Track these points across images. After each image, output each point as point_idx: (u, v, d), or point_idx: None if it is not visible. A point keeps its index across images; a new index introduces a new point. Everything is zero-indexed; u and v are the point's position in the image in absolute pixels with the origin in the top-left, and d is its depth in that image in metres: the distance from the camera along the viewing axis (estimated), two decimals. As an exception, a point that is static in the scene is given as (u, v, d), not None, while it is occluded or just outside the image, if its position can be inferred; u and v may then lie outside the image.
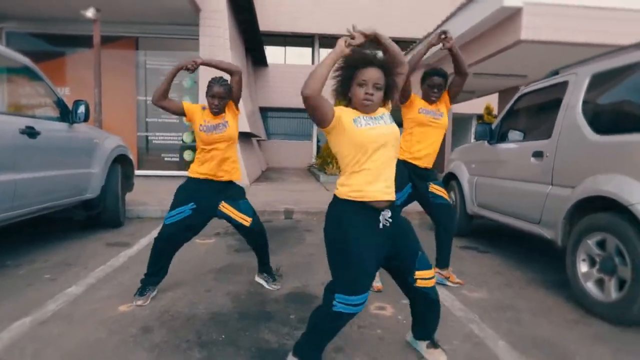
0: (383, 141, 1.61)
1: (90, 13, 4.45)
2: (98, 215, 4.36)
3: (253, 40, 12.68)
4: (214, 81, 2.55)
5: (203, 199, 2.60)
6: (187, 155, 9.33)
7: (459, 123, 18.23)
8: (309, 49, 17.59)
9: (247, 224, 2.65)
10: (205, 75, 8.84)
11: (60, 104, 3.77)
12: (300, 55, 17.67)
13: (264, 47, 14.63)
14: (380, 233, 1.65)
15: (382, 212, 1.65)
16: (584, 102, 2.81)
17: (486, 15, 6.32)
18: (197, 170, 2.62)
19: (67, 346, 1.99)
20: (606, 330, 2.31)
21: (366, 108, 1.64)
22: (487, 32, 6.87)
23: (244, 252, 3.67)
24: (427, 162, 2.88)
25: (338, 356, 1.96)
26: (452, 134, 16.01)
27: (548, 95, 3.27)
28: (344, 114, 1.63)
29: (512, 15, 6.10)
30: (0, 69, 3.43)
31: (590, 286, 2.55)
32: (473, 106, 15.38)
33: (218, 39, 8.65)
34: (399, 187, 2.81)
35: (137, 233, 4.39)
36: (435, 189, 2.89)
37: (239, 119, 2.75)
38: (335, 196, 1.70)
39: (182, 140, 9.74)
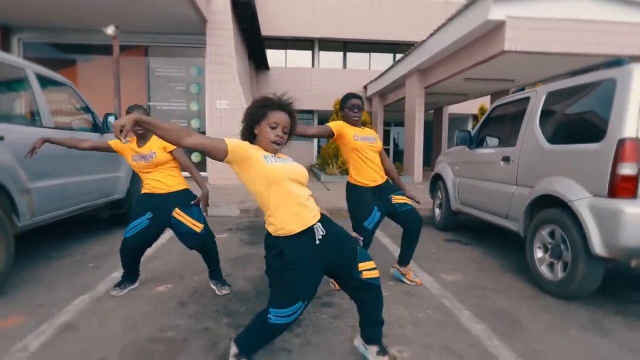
0: (294, 176, 1.73)
1: (110, 30, 4.97)
2: (125, 213, 4.91)
3: (255, 46, 13.23)
4: (130, 109, 2.73)
5: (157, 208, 2.79)
6: (194, 156, 9.85)
7: (456, 123, 18.78)
8: (309, 52, 18.11)
9: (197, 229, 2.80)
10: (209, 86, 9.42)
11: (93, 117, 4.35)
12: (300, 58, 18.19)
13: (265, 50, 15.18)
14: (318, 247, 1.73)
15: (314, 227, 1.74)
16: (541, 116, 3.35)
17: (473, 27, 6.85)
18: (144, 187, 2.90)
19: (125, 315, 2.55)
20: (553, 303, 2.86)
21: (275, 150, 1.74)
22: (475, 42, 7.40)
23: (256, 245, 4.22)
24: (377, 181, 2.98)
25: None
26: (448, 133, 16.56)
27: (516, 108, 3.81)
28: (251, 150, 1.68)
29: (496, 28, 6.63)
30: (50, 89, 3.98)
31: (543, 269, 3.10)
32: (468, 107, 15.91)
33: (224, 47, 9.21)
34: (367, 213, 2.90)
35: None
36: (398, 199, 3.03)
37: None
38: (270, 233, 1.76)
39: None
